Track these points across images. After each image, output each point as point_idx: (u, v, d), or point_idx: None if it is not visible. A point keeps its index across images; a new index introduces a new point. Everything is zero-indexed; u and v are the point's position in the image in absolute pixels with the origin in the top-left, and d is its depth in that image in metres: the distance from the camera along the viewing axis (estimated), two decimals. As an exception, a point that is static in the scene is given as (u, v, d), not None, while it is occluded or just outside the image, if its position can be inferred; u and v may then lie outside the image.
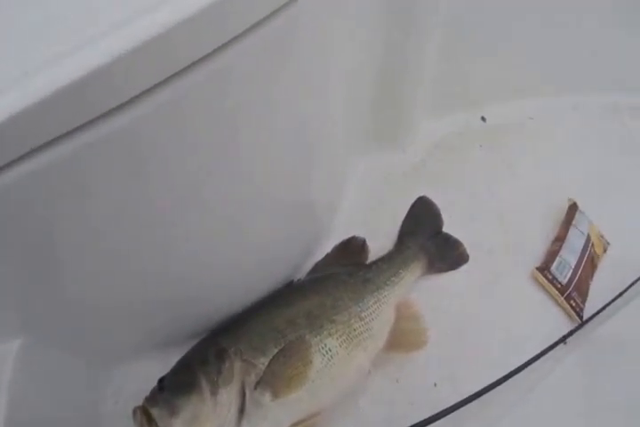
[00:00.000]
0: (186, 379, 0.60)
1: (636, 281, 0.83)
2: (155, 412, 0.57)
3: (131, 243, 0.51)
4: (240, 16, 0.38)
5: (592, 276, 0.86)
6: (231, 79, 0.42)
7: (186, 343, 0.67)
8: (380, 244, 0.83)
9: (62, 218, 0.43)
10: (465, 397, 0.66)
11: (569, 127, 1.06)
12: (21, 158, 0.35)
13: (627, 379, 0.68)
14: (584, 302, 0.82)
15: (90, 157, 0.38)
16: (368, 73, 0.78)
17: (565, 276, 0.82)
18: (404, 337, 0.72)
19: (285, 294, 0.74)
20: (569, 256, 0.84)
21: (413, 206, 0.88)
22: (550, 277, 0.82)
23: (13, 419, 0.51)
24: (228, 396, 0.59)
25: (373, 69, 0.78)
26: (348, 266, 0.78)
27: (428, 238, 0.84)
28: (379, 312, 0.71)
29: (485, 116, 1.05)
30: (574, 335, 0.77)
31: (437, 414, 0.63)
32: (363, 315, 0.70)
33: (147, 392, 0.61)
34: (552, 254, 0.85)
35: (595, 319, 0.79)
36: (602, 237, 0.90)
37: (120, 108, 0.36)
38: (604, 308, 0.80)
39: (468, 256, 0.85)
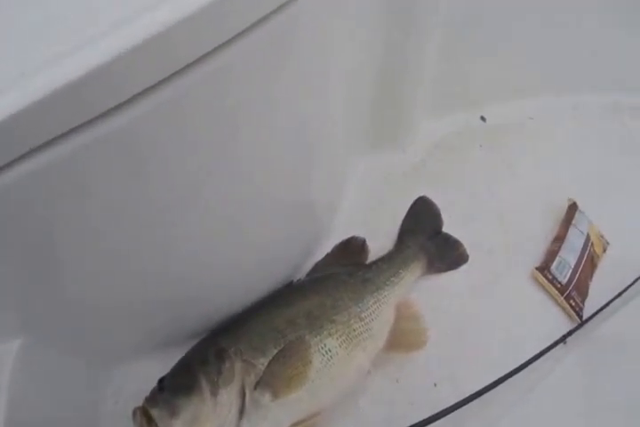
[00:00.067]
0: (186, 379, 0.60)
1: (636, 281, 0.83)
2: (155, 412, 0.57)
3: (131, 243, 0.51)
4: (240, 15, 0.38)
5: (592, 276, 0.86)
6: (231, 78, 0.42)
7: (186, 343, 0.67)
8: (379, 244, 0.83)
9: (62, 218, 0.43)
10: (465, 397, 0.66)
11: (569, 127, 1.06)
12: (21, 158, 0.35)
13: (627, 379, 0.68)
14: (584, 301, 0.82)
15: (89, 157, 0.38)
16: (368, 73, 0.78)
17: (565, 276, 0.82)
18: (403, 337, 0.72)
19: (285, 294, 0.74)
20: (569, 256, 0.84)
21: (413, 206, 0.88)
22: (550, 276, 0.82)
23: (13, 419, 0.51)
24: (229, 396, 0.59)
25: (373, 69, 0.78)
26: (348, 266, 0.78)
27: (427, 238, 0.84)
28: (378, 312, 0.71)
29: (485, 116, 1.05)
30: (574, 335, 0.77)
31: (437, 413, 0.63)
32: (362, 315, 0.70)
33: (147, 392, 0.61)
34: (552, 254, 0.85)
35: (594, 319, 0.79)
36: (601, 236, 0.90)
37: (119, 107, 0.36)
38: (603, 307, 0.80)
39: (467, 256, 0.85)
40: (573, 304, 0.80)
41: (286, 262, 0.79)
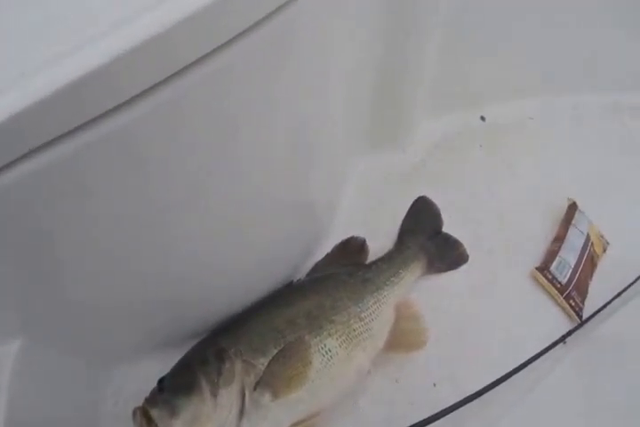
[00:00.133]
0: (186, 380, 0.60)
1: (636, 281, 0.83)
2: (155, 413, 0.57)
3: (131, 243, 0.51)
4: (239, 15, 0.38)
5: (591, 275, 0.86)
6: (231, 79, 0.42)
7: (186, 344, 0.67)
8: (379, 244, 0.83)
9: (62, 218, 0.43)
10: (465, 397, 0.66)
11: (569, 127, 1.06)
12: (21, 158, 0.35)
13: (626, 378, 0.68)
14: (583, 301, 0.82)
15: (90, 157, 0.38)
16: (368, 73, 0.78)
17: (565, 275, 0.82)
18: (403, 337, 0.72)
19: (285, 295, 0.74)
20: (568, 256, 0.84)
21: (413, 206, 0.88)
22: (550, 276, 0.82)
23: (13, 419, 0.51)
24: (229, 397, 0.59)
25: (373, 69, 0.78)
26: (348, 266, 0.78)
27: (427, 238, 0.84)
28: (378, 312, 0.71)
29: (485, 116, 1.05)
30: (574, 335, 0.77)
31: (437, 413, 0.63)
32: (362, 315, 0.70)
33: (147, 393, 0.61)
34: (552, 254, 0.85)
35: (594, 319, 0.79)
36: (601, 236, 0.90)
37: (119, 107, 0.36)
38: (603, 307, 0.80)
39: (467, 256, 0.85)
40: (573, 304, 0.80)
41: (286, 262, 0.79)
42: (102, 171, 0.41)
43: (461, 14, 0.81)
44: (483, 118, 1.05)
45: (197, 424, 0.57)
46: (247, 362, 0.62)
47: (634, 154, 1.03)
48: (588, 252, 0.86)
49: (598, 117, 1.08)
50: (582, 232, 0.87)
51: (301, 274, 0.79)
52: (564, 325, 0.79)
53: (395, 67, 0.80)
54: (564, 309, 0.81)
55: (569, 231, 0.87)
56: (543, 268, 0.83)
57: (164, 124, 0.41)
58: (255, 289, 0.74)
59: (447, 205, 0.88)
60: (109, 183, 0.42)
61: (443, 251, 0.84)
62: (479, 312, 0.80)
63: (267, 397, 0.60)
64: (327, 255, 0.81)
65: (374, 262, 0.79)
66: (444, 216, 0.87)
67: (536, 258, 0.86)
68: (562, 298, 0.80)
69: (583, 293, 0.83)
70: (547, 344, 0.74)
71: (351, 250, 0.81)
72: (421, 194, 0.89)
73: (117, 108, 0.36)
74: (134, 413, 0.58)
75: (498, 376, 0.68)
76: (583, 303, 0.82)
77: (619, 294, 0.81)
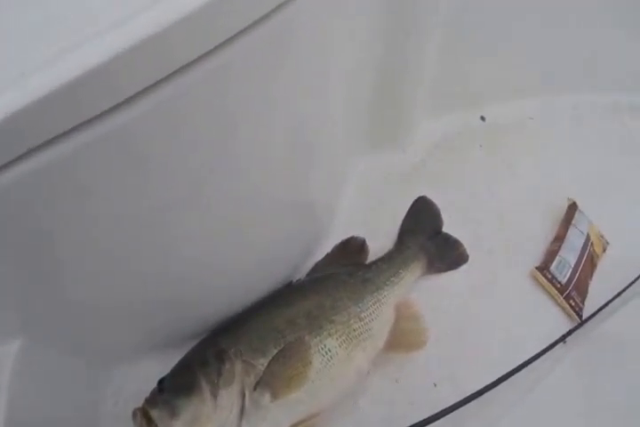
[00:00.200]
0: (186, 380, 0.60)
1: (636, 280, 0.83)
2: (155, 413, 0.57)
3: (130, 243, 0.51)
4: (238, 14, 0.38)
5: (591, 275, 0.86)
6: (230, 78, 0.42)
7: (186, 344, 0.67)
8: (379, 244, 0.83)
9: (62, 218, 0.43)
10: (465, 396, 0.66)
11: (569, 127, 1.06)
12: (21, 158, 0.35)
13: (626, 378, 0.68)
14: (583, 301, 0.82)
15: (89, 157, 0.38)
16: (368, 73, 0.78)
17: (565, 275, 0.82)
18: (403, 337, 0.72)
19: (285, 295, 0.74)
20: (568, 256, 0.84)
21: (413, 206, 0.88)
22: (550, 276, 0.82)
23: (13, 419, 0.51)
24: (229, 397, 0.58)
25: (373, 69, 0.78)
26: (348, 266, 0.78)
27: (427, 238, 0.84)
28: (378, 312, 0.71)
29: (485, 116, 1.05)
30: (574, 335, 0.77)
31: (437, 413, 0.63)
32: (362, 315, 0.70)
33: (146, 393, 0.61)
34: (551, 254, 0.85)
35: (594, 319, 0.79)
36: (601, 236, 0.90)
37: (119, 106, 0.36)
38: (603, 307, 0.80)
39: (467, 256, 0.85)
40: (573, 304, 0.80)
41: (286, 262, 0.79)
42: (102, 170, 0.41)
43: (461, 14, 0.81)
44: (483, 118, 1.05)
45: (197, 425, 0.57)
46: (247, 362, 0.61)
47: (634, 154, 1.03)
48: (587, 252, 0.86)
49: (598, 117, 1.08)
50: (582, 232, 0.87)
51: (301, 274, 0.79)
52: (564, 324, 0.79)
53: (395, 67, 0.80)
54: (563, 308, 0.81)
55: (569, 231, 0.87)
56: (543, 267, 0.83)
57: (162, 123, 0.41)
58: (255, 289, 0.74)
59: (447, 205, 0.88)
60: (109, 183, 0.42)
61: (443, 251, 0.84)
62: (479, 312, 0.80)
63: (266, 397, 0.60)
64: (327, 255, 0.81)
65: (374, 262, 0.79)
66: (444, 216, 0.87)
67: (536, 258, 0.86)
68: (562, 298, 0.80)
69: (583, 292, 0.83)
70: (547, 344, 0.74)
71: (351, 250, 0.81)
72: (421, 194, 0.89)
73: (116, 107, 0.36)
74: (134, 413, 0.58)
75: (498, 376, 0.68)
76: (583, 303, 0.82)
77: (619, 294, 0.81)
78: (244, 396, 0.59)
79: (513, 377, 0.69)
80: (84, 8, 0.37)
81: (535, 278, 0.83)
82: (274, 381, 0.60)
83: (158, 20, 0.34)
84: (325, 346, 0.65)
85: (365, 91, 0.81)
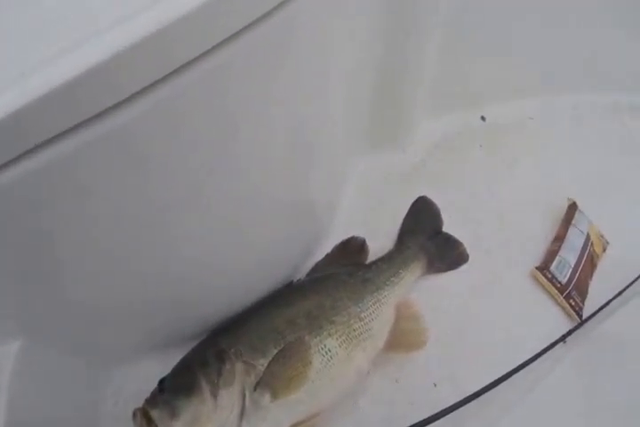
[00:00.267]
0: (186, 380, 0.60)
1: (636, 280, 0.83)
2: (155, 414, 0.57)
3: (130, 243, 0.51)
4: (238, 13, 0.38)
5: (591, 275, 0.86)
6: (229, 77, 0.42)
7: (186, 344, 0.67)
8: (379, 244, 0.83)
9: (62, 218, 0.43)
10: (465, 396, 0.66)
11: (569, 127, 1.06)
12: (20, 157, 0.35)
13: (626, 378, 0.68)
14: (583, 301, 0.82)
15: (89, 156, 0.38)
16: (368, 73, 0.78)
17: (565, 275, 0.82)
18: (403, 337, 0.72)
19: (285, 295, 0.74)
20: (568, 256, 0.84)
21: (413, 206, 0.88)
22: (550, 276, 0.82)
23: (13, 419, 0.51)
24: (229, 397, 0.58)
25: (373, 69, 0.78)
26: (348, 266, 0.78)
27: (428, 238, 0.84)
28: (378, 312, 0.71)
29: (485, 116, 1.05)
30: (574, 334, 0.77)
31: (437, 413, 0.63)
32: (362, 315, 0.70)
33: (147, 393, 0.61)
34: (552, 254, 0.85)
35: (594, 318, 0.79)
36: (601, 236, 0.90)
37: (118, 106, 0.36)
38: (603, 307, 0.80)
39: (467, 256, 0.85)
40: (573, 304, 0.80)
41: (286, 262, 0.79)
42: (102, 169, 0.40)
43: (461, 14, 0.81)
44: (483, 118, 1.05)
45: (197, 425, 0.57)
46: (247, 363, 0.61)
47: (634, 154, 1.03)
48: (587, 251, 0.86)
49: (598, 117, 1.08)
50: (582, 232, 0.87)
51: (301, 274, 0.79)
52: (564, 324, 0.79)
53: (395, 67, 0.80)
54: (564, 308, 0.81)
55: (569, 231, 0.87)
56: (543, 267, 0.83)
57: (162, 122, 0.41)
58: (255, 289, 0.74)
59: (447, 205, 0.88)
60: (109, 182, 0.42)
61: (443, 251, 0.84)
62: (479, 312, 0.80)
63: (267, 397, 0.60)
64: (327, 255, 0.81)
65: (374, 262, 0.79)
66: (444, 216, 0.87)
67: (536, 258, 0.86)
68: (562, 298, 0.80)
69: (583, 292, 0.83)
70: (547, 344, 0.74)
71: (351, 250, 0.81)
72: (421, 194, 0.89)
73: (116, 107, 0.36)
74: (134, 414, 0.58)
75: (498, 376, 0.68)
76: (583, 303, 0.82)
77: (619, 294, 0.81)
78: (244, 396, 0.59)
79: (513, 377, 0.69)
80: (83, 8, 0.37)
81: (535, 278, 0.83)
82: (274, 381, 0.60)
83: (158, 19, 0.34)
84: (325, 346, 0.65)
85: (365, 91, 0.81)
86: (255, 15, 0.40)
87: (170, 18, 0.34)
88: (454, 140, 1.01)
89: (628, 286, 0.82)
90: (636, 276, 0.84)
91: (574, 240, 0.86)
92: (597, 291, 0.83)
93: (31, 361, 0.55)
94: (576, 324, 0.79)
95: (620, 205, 0.92)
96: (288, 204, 0.69)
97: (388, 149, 0.96)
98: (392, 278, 0.75)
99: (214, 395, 0.58)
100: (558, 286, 0.81)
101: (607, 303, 0.80)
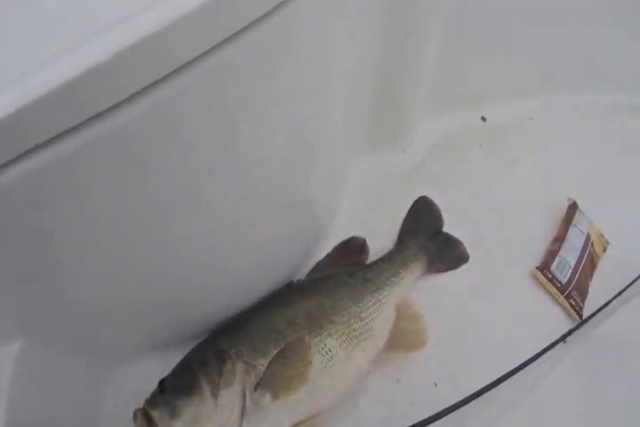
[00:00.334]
0: (186, 381, 0.60)
1: (636, 280, 0.83)
2: (155, 414, 0.57)
3: (131, 243, 0.51)
4: (238, 13, 0.38)
5: (592, 275, 0.86)
6: (229, 77, 0.42)
7: (186, 344, 0.67)
8: (380, 244, 0.83)
9: (62, 218, 0.43)
10: (465, 396, 0.66)
11: (569, 127, 1.06)
12: (20, 158, 0.35)
13: (627, 378, 0.68)
14: (584, 301, 0.82)
15: (89, 156, 0.38)
16: (368, 73, 0.78)
17: (565, 275, 0.82)
18: (404, 337, 0.72)
19: (285, 295, 0.74)
20: (569, 255, 0.84)
21: (414, 206, 0.88)
22: (550, 276, 0.82)
23: (14, 420, 0.51)
24: (229, 397, 0.58)
25: (373, 69, 0.78)
26: (348, 266, 0.78)
27: (428, 238, 0.84)
28: (379, 312, 0.71)
29: (485, 116, 1.05)
30: (574, 334, 0.77)
31: (437, 413, 0.63)
32: (363, 315, 0.70)
33: (147, 393, 0.61)
34: (552, 254, 0.85)
35: (594, 318, 0.79)
36: (602, 236, 0.90)
37: (118, 106, 0.36)
38: (603, 307, 0.80)
39: (468, 256, 0.85)
40: (573, 304, 0.80)
41: (286, 263, 0.79)
42: (102, 170, 0.40)
43: (461, 14, 0.81)
44: (484, 119, 1.05)
45: (198, 425, 0.57)
46: (248, 363, 0.61)
47: (634, 154, 1.03)
48: (588, 251, 0.86)
49: (598, 117, 1.08)
50: (582, 232, 0.87)
51: (302, 274, 0.79)
52: (565, 324, 0.79)
53: (395, 67, 0.80)
54: (564, 308, 0.81)
55: (569, 231, 0.87)
56: (543, 267, 0.83)
57: (163, 122, 0.41)
58: (255, 289, 0.74)
59: (447, 205, 0.88)
60: (109, 182, 0.42)
61: (443, 251, 0.84)
62: (479, 312, 0.80)
63: (267, 397, 0.60)
64: (327, 255, 0.80)
65: (374, 262, 0.79)
66: (444, 216, 0.87)
67: (536, 258, 0.86)
68: (562, 297, 0.80)
69: (583, 292, 0.83)
70: (547, 344, 0.74)
71: (351, 250, 0.81)
72: (421, 194, 0.89)
73: (116, 107, 0.36)
74: (135, 414, 0.58)
75: (498, 376, 0.68)
76: (583, 303, 0.82)
77: (619, 294, 0.81)
78: (244, 396, 0.59)
79: (513, 377, 0.69)
80: (83, 8, 0.37)
81: (535, 278, 0.83)
82: (274, 381, 0.60)
83: (158, 19, 0.34)
84: (325, 346, 0.65)
85: (365, 91, 0.81)
86: (255, 15, 0.40)
87: (170, 18, 0.34)
88: (454, 140, 1.01)
89: (628, 286, 0.82)
90: (637, 276, 0.84)
91: (574, 240, 0.86)
92: (598, 291, 0.83)
93: (31, 362, 0.55)
94: (576, 324, 0.79)
95: (621, 205, 0.92)
96: (288, 204, 0.69)
97: (388, 149, 0.96)
98: (392, 278, 0.75)
99: (215, 395, 0.58)
100: (558, 285, 0.81)
101: (607, 303, 0.80)
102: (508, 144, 1.01)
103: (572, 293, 0.81)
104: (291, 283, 0.77)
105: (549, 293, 0.82)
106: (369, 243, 0.82)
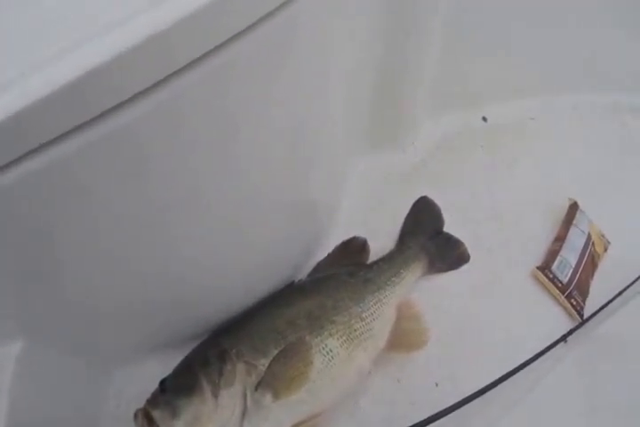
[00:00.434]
0: (187, 381, 0.60)
1: (637, 280, 0.83)
2: (156, 414, 0.57)
3: (131, 243, 0.51)
4: (239, 14, 0.38)
5: (592, 275, 0.86)
6: (230, 78, 0.42)
7: (187, 344, 0.67)
8: (380, 244, 0.83)
9: (62, 218, 0.43)
10: (466, 396, 0.66)
11: (569, 127, 1.06)
12: (22, 158, 0.35)
13: (627, 378, 0.68)
14: (584, 300, 0.82)
15: (90, 157, 0.38)
16: (368, 73, 0.78)
17: (566, 275, 0.82)
18: (404, 337, 0.72)
19: (286, 295, 0.74)
20: (569, 255, 0.84)
21: (414, 206, 0.88)
22: (551, 276, 0.82)
23: (15, 420, 0.51)
24: (230, 397, 0.58)
25: (373, 69, 0.78)
26: (349, 266, 0.78)
27: (428, 238, 0.84)
28: (379, 312, 0.71)
29: (486, 116, 1.05)
30: (575, 334, 0.77)
31: (438, 413, 0.63)
32: (363, 315, 0.70)
33: (148, 394, 0.61)
34: (553, 254, 0.85)
35: (595, 318, 0.79)
36: (602, 236, 0.90)
37: (119, 107, 0.36)
38: (604, 306, 0.80)
39: (468, 256, 0.85)
40: (574, 303, 0.80)
41: (287, 263, 0.79)
42: (103, 170, 0.41)
43: (461, 14, 0.81)
44: (484, 119, 1.05)
45: (199, 425, 0.57)
46: (248, 363, 0.61)
47: (634, 154, 1.03)
48: (588, 251, 0.86)
49: (598, 117, 1.08)
50: (583, 232, 0.87)
51: (302, 274, 0.79)
52: (565, 324, 0.79)
53: (395, 67, 0.80)
54: (565, 308, 0.81)
55: (570, 231, 0.87)
56: (544, 267, 0.83)
57: (164, 122, 0.41)
58: (256, 289, 0.74)
59: (447, 205, 0.88)
60: (110, 183, 0.42)
61: (444, 251, 0.84)
62: (480, 312, 0.80)
63: (268, 397, 0.60)
64: (328, 255, 0.81)
65: (375, 262, 0.79)
66: (445, 216, 0.87)
67: (537, 258, 0.86)
68: (563, 297, 0.80)
69: (584, 292, 0.83)
70: (548, 344, 0.74)
71: (352, 250, 0.81)
72: (422, 194, 0.89)
73: (117, 108, 0.36)
74: (136, 414, 0.58)
75: (499, 376, 0.68)
76: (584, 302, 0.82)
77: (620, 294, 0.81)
78: (245, 396, 0.59)
79: (514, 377, 0.69)
80: (84, 8, 0.37)
81: (536, 278, 0.83)
82: (275, 381, 0.60)
83: (159, 20, 0.34)
84: (326, 346, 0.65)
85: (365, 91, 0.81)
86: (256, 16, 0.40)
87: (171, 19, 0.34)
88: (454, 141, 1.01)
89: (629, 286, 0.82)
90: (637, 276, 0.84)
91: (575, 240, 0.86)
92: (598, 291, 0.83)
93: (32, 362, 0.55)
94: (577, 323, 0.79)
95: (621, 204, 0.92)
96: (288, 204, 0.69)
97: (388, 149, 0.97)
98: (393, 278, 0.75)
99: (215, 395, 0.58)
100: (559, 285, 0.81)
101: (608, 303, 0.80)
102: (508, 144, 1.01)
103: (572, 292, 0.81)
104: (292, 283, 0.77)
105: (550, 292, 0.82)
106: (370, 243, 0.82)
